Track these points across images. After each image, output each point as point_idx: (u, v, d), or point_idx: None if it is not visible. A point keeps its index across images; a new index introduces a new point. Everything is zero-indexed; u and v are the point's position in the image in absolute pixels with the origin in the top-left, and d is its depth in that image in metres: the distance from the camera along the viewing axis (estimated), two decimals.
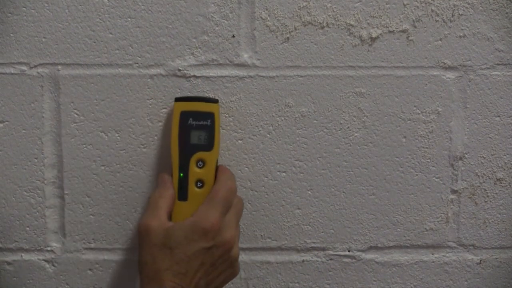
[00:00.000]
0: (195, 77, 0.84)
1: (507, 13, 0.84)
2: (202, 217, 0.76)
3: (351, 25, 0.84)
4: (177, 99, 0.81)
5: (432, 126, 0.86)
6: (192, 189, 0.80)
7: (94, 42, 0.83)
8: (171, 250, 0.74)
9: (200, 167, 0.80)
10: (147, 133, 0.85)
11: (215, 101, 0.81)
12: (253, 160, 0.86)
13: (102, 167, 0.86)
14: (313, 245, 0.88)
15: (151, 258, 0.74)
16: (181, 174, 0.80)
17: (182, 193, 0.80)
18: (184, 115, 0.80)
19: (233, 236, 0.77)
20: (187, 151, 0.80)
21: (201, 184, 0.80)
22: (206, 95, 0.84)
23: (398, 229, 0.88)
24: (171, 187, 0.80)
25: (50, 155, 0.85)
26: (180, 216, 0.78)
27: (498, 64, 0.85)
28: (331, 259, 0.88)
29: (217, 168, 0.81)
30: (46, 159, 0.85)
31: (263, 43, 0.84)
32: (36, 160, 0.85)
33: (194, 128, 0.80)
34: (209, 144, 0.80)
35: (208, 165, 0.80)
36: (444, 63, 0.85)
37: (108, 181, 0.86)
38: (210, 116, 0.80)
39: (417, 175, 0.87)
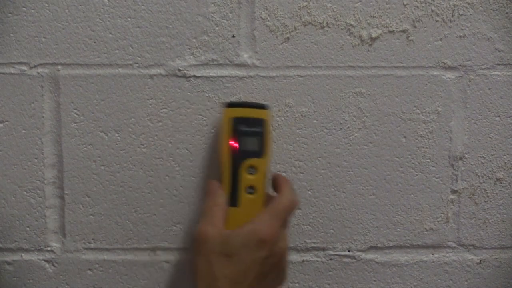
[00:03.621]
0: (195, 77, 0.84)
1: (507, 13, 0.84)
2: (262, 225, 0.75)
3: (351, 25, 0.84)
4: (228, 105, 0.80)
5: (432, 126, 0.86)
6: (243, 195, 0.79)
7: (94, 42, 0.84)
8: (229, 258, 0.74)
9: (251, 174, 0.79)
10: (147, 133, 0.85)
11: (266, 107, 0.80)
12: None
13: (102, 167, 0.86)
14: (313, 245, 0.88)
15: (209, 265, 0.74)
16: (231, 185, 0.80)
17: (233, 200, 0.79)
18: (236, 121, 0.79)
19: (286, 247, 0.77)
20: (238, 157, 0.79)
21: (252, 190, 0.79)
22: (257, 100, 0.84)
23: (398, 229, 0.88)
24: (223, 195, 0.79)
25: (50, 155, 0.85)
26: (231, 223, 0.77)
27: (498, 64, 0.85)
28: (331, 259, 0.88)
29: (269, 175, 0.80)
30: (46, 159, 0.85)
31: (263, 43, 0.84)
32: (36, 160, 0.85)
33: (245, 135, 0.79)
34: (260, 151, 0.79)
35: (260, 172, 0.79)
36: (444, 63, 0.85)
37: (108, 181, 0.86)
38: (262, 122, 0.79)
39: (417, 175, 0.87)
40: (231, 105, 0.80)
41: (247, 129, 0.79)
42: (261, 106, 0.80)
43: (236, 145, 0.79)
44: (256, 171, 0.79)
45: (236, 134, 0.79)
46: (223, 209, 0.77)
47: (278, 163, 0.86)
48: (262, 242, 0.74)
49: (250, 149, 0.79)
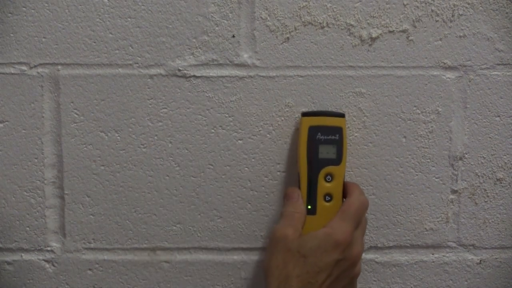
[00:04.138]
0: (195, 77, 0.84)
1: (507, 13, 0.84)
2: (336, 228, 0.77)
3: (351, 25, 0.84)
4: (304, 114, 0.81)
5: (432, 126, 0.86)
6: (321, 203, 0.80)
7: (94, 42, 0.84)
8: (305, 258, 0.75)
9: (328, 181, 0.81)
10: (147, 133, 0.85)
11: (342, 115, 0.81)
12: (253, 160, 0.86)
13: (102, 167, 0.86)
14: None
15: (283, 263, 0.75)
16: (309, 206, 0.80)
17: (311, 207, 0.80)
18: (313, 130, 0.80)
19: (360, 252, 0.78)
20: (315, 165, 0.80)
21: (329, 198, 0.81)
22: (333, 110, 0.84)
23: (398, 229, 0.88)
24: (303, 204, 0.80)
25: (50, 155, 0.85)
26: (308, 230, 0.78)
27: (498, 64, 0.85)
28: None
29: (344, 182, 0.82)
30: (46, 159, 0.85)
31: (263, 43, 0.84)
32: (36, 160, 0.85)
33: (322, 143, 0.80)
34: (337, 158, 0.80)
35: (337, 179, 0.81)
36: (444, 63, 0.85)
37: (108, 181, 0.86)
38: (338, 130, 0.80)
39: (417, 175, 0.87)
40: (308, 114, 0.81)
41: (325, 138, 0.80)
42: (338, 115, 0.81)
43: (314, 153, 0.80)
44: (333, 178, 0.81)
45: (314, 142, 0.80)
46: (303, 217, 0.79)
47: (278, 163, 0.86)
48: (337, 245, 0.76)
49: (328, 157, 0.80)
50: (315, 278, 0.75)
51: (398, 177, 0.87)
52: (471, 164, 0.87)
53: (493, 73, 0.85)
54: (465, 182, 0.87)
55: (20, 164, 0.85)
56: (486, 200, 0.87)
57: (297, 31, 0.84)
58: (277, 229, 0.78)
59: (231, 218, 0.87)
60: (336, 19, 0.84)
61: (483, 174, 0.87)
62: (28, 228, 0.87)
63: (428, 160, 0.87)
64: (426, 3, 0.84)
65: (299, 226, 0.78)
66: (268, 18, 0.84)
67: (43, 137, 0.85)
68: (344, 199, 0.81)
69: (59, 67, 0.84)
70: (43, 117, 0.85)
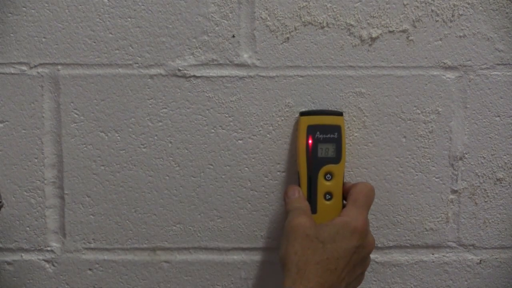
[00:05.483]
0: (195, 77, 0.85)
1: (507, 13, 0.84)
2: (351, 216, 0.77)
3: (351, 25, 0.84)
4: (302, 113, 0.82)
5: (432, 126, 0.86)
6: (321, 202, 0.81)
7: (94, 42, 0.84)
8: (323, 245, 0.75)
9: (328, 180, 0.81)
10: (147, 133, 0.85)
11: (340, 113, 0.82)
12: (253, 160, 0.86)
13: (102, 167, 0.86)
14: None
15: (302, 249, 0.75)
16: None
17: (312, 206, 0.80)
18: (311, 129, 0.81)
19: (374, 240, 0.79)
20: (315, 164, 0.81)
21: (329, 197, 0.81)
22: (332, 109, 0.85)
23: (398, 229, 0.88)
24: (305, 200, 0.80)
25: (50, 155, 0.85)
26: None
27: (498, 64, 0.85)
28: None
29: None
30: (46, 159, 0.85)
31: (263, 43, 0.84)
32: (36, 160, 0.85)
33: (321, 142, 0.81)
34: (336, 157, 0.81)
35: (336, 178, 0.81)
36: (444, 63, 0.85)
37: (108, 181, 0.86)
38: (337, 129, 0.81)
39: (417, 175, 0.87)
40: (306, 113, 0.82)
41: (324, 136, 0.81)
42: (336, 113, 0.82)
43: (313, 152, 0.80)
44: (332, 177, 0.81)
45: (313, 141, 0.80)
46: (310, 210, 0.79)
47: (278, 163, 0.86)
48: (355, 231, 0.75)
49: (327, 155, 0.81)
50: (334, 265, 0.74)
51: (398, 177, 0.87)
52: (471, 164, 0.87)
53: (493, 73, 0.85)
54: (465, 182, 0.87)
55: (20, 164, 0.85)
56: (486, 200, 0.87)
57: (297, 31, 0.84)
58: (292, 219, 0.77)
59: (231, 218, 0.87)
60: (336, 19, 0.84)
61: (483, 174, 0.87)
62: (28, 228, 0.87)
63: (428, 160, 0.87)
64: (426, 3, 0.84)
65: (311, 216, 0.78)
66: (268, 18, 0.84)
67: (43, 137, 0.85)
68: (344, 201, 0.81)
69: (59, 67, 0.84)
70: (43, 117, 0.85)
